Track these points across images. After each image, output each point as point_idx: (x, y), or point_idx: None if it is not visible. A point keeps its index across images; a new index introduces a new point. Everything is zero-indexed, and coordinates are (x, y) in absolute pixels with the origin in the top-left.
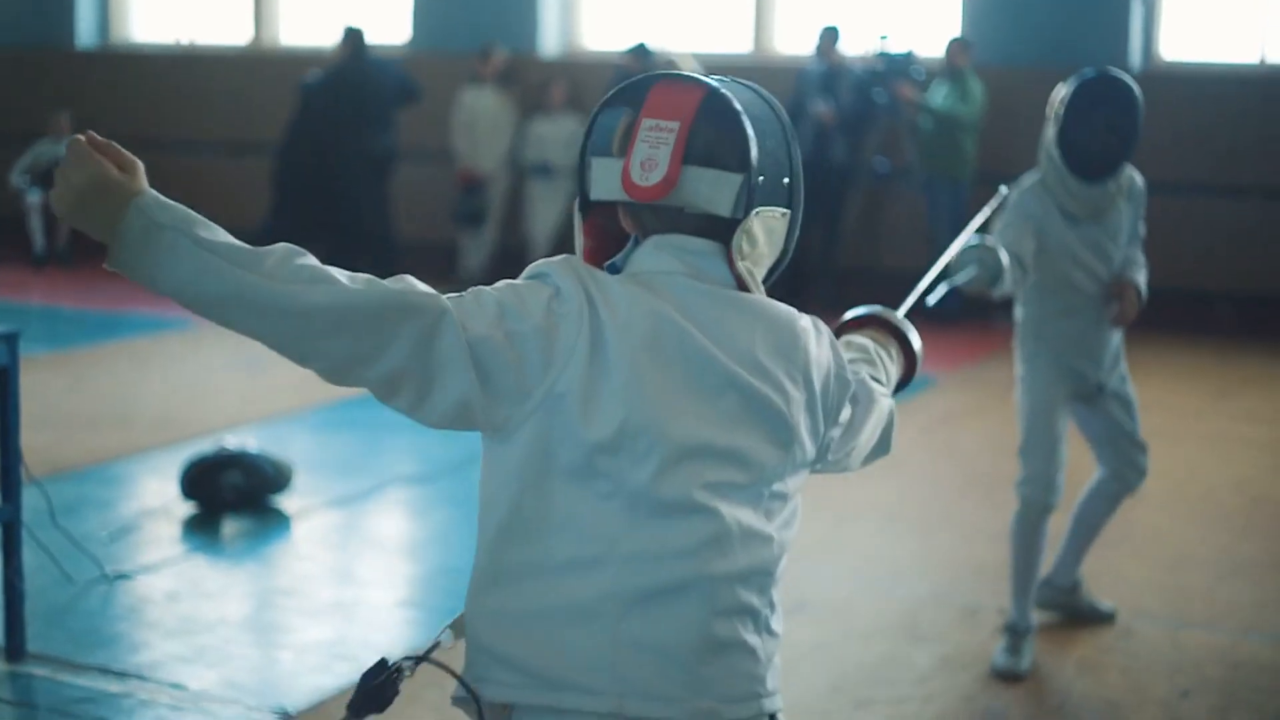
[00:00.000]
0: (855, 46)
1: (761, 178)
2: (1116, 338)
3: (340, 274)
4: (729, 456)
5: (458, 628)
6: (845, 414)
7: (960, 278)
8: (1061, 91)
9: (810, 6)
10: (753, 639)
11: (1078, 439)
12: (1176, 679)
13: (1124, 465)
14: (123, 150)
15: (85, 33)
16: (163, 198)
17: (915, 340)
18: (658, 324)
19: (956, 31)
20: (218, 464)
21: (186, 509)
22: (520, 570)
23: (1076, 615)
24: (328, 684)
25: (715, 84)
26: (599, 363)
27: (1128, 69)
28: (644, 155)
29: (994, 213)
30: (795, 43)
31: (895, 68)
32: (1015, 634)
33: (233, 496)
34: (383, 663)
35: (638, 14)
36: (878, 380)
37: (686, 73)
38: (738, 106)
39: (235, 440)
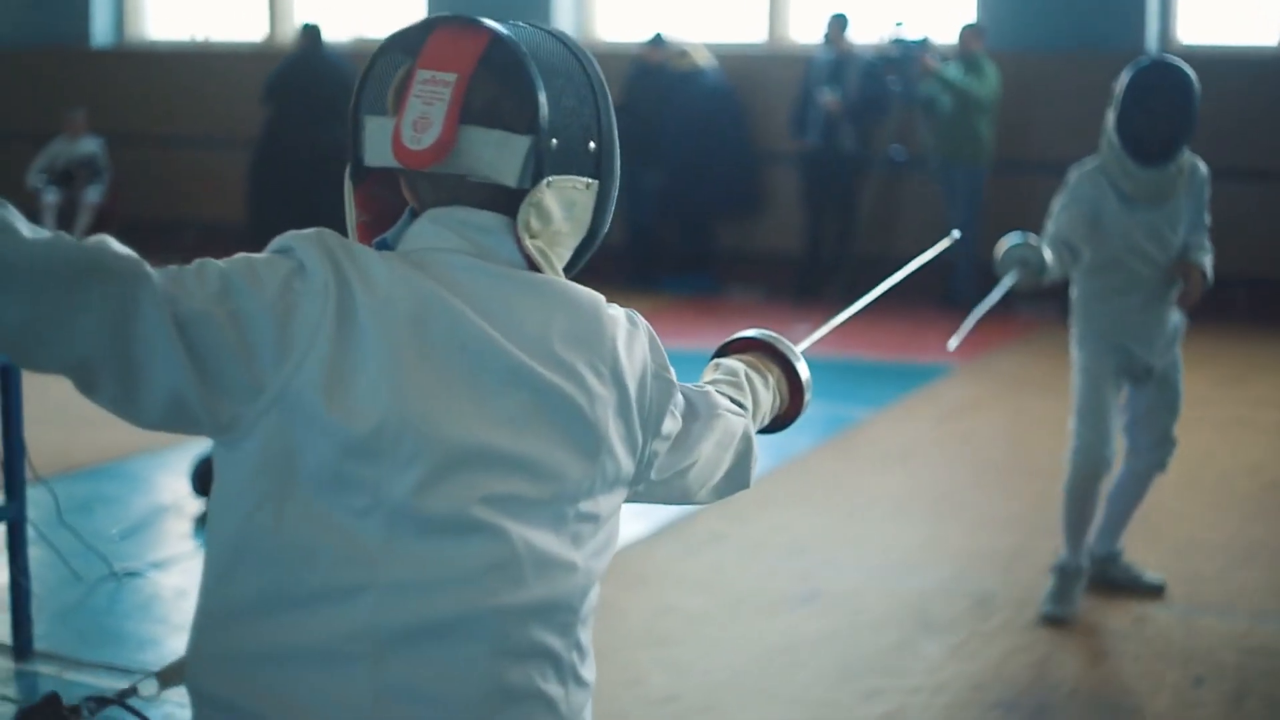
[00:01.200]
0: (867, 34)
1: (555, 140)
2: (1174, 321)
3: (24, 224)
4: (516, 464)
5: (168, 676)
6: (672, 425)
7: (1006, 280)
8: (1121, 78)
9: None
10: (553, 689)
11: None
12: (1190, 666)
13: (1148, 451)
14: None
15: (101, 31)
16: None
17: (803, 371)
18: (426, 305)
19: (971, 17)
20: None
21: (198, 505)
22: (256, 603)
23: (1116, 585)
24: None
25: (504, 29)
26: (350, 348)
27: (1144, 53)
28: (417, 113)
29: (942, 253)
30: (810, 32)
31: (910, 54)
32: (1065, 575)
33: None
34: (53, 699)
35: (652, 4)
36: (738, 404)
37: (473, 17)
38: (525, 54)
39: None
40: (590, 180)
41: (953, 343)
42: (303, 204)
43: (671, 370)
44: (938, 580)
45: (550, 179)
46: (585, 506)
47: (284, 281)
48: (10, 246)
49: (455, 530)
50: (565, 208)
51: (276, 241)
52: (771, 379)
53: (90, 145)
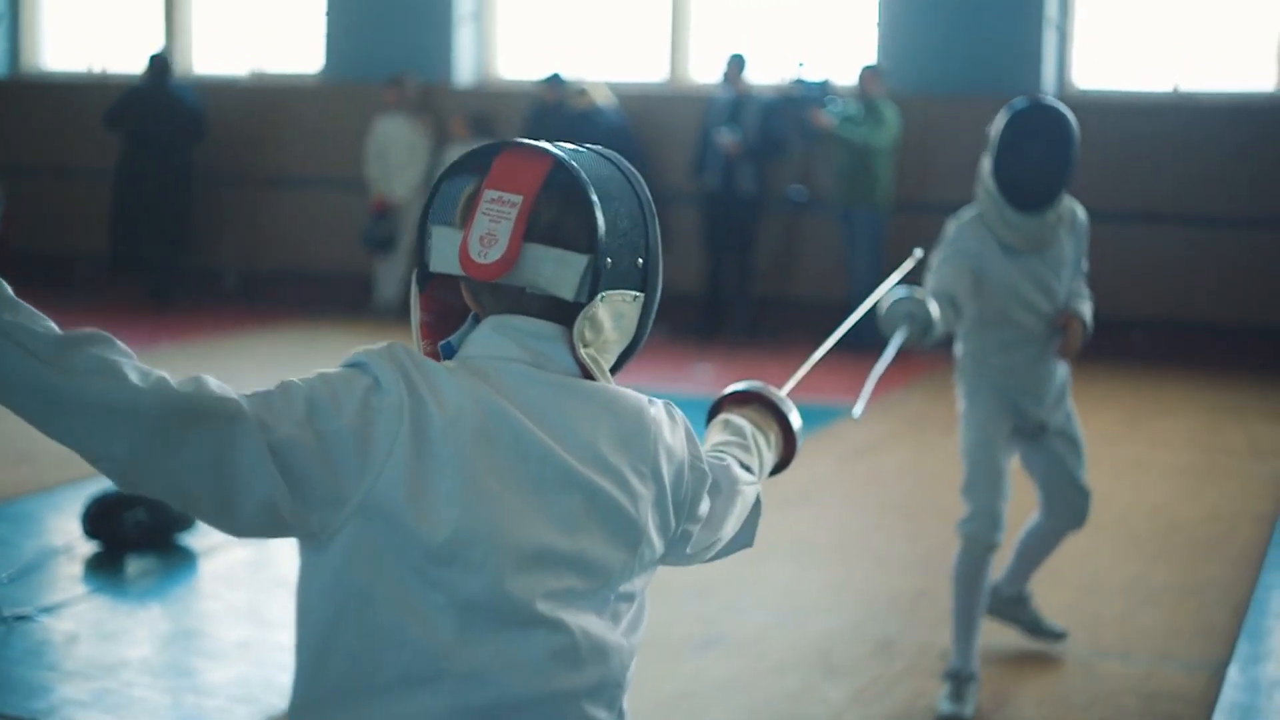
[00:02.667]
0: (768, 74)
1: (610, 259)
2: (1061, 374)
3: (132, 369)
4: (572, 562)
5: None
6: (704, 507)
7: (893, 340)
8: (996, 122)
9: (725, 35)
10: None
11: (1022, 476)
12: (1093, 710)
13: (1064, 508)
14: None
15: None
16: None
17: (795, 420)
18: (490, 418)
19: (871, 59)
20: (121, 501)
21: (89, 548)
22: (342, 691)
23: (1021, 628)
24: None
25: (565, 155)
26: (425, 462)
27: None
28: (484, 229)
29: (906, 276)
30: (710, 72)
31: (811, 95)
32: (958, 680)
33: (137, 534)
34: None
35: (552, 43)
36: (748, 468)
37: (536, 142)
38: (586, 181)
39: None
40: (637, 293)
41: (857, 410)
42: (159, 230)
43: (704, 459)
44: (841, 624)
45: (604, 294)
46: (624, 589)
47: (362, 399)
48: (118, 392)
49: (520, 623)
50: (615, 319)
51: (351, 356)
52: (773, 436)
53: None
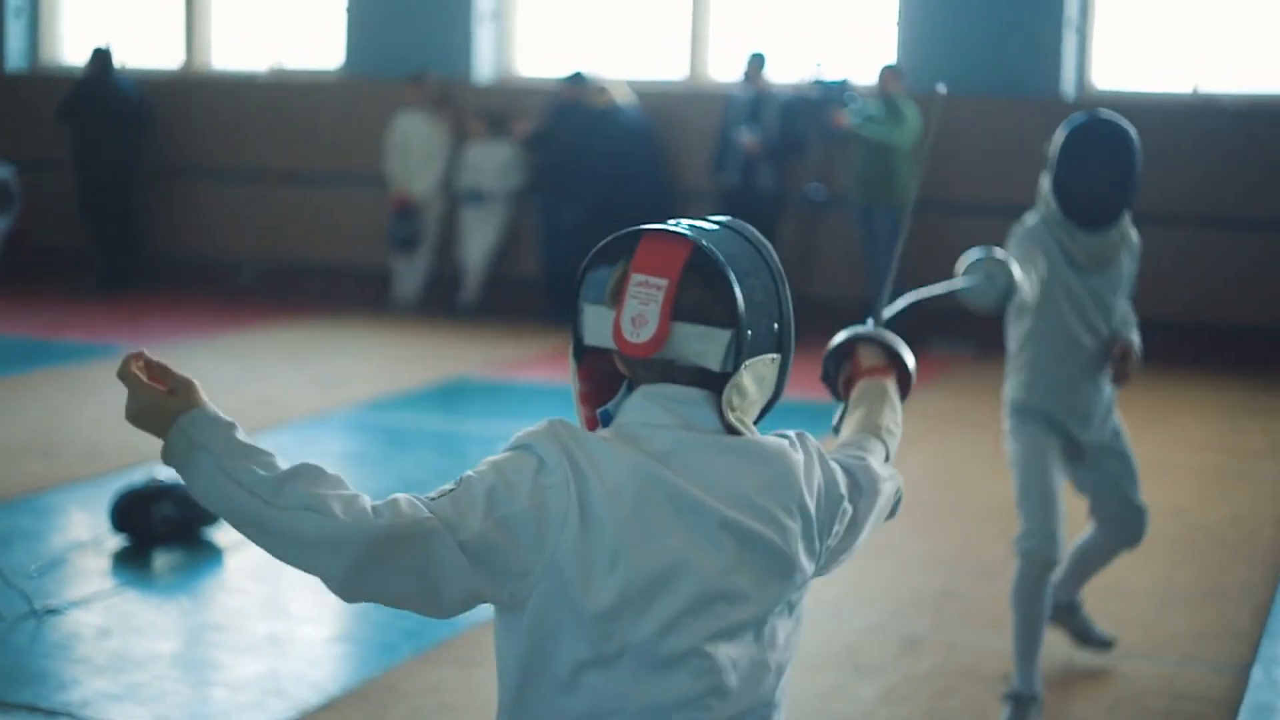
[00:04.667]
0: (787, 73)
1: (750, 331)
2: (1108, 394)
3: (337, 500)
4: (731, 600)
5: None
6: (846, 516)
7: (972, 294)
8: (1055, 137)
9: (745, 34)
10: None
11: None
12: (1119, 710)
13: (1118, 527)
14: (172, 371)
15: (14, 55)
16: (209, 412)
17: (909, 359)
18: (645, 482)
19: (891, 59)
20: (149, 495)
21: (117, 542)
22: None
23: (1071, 635)
24: None
25: (702, 240)
26: (591, 531)
27: (1061, 97)
28: (634, 311)
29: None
30: (730, 70)
31: (830, 95)
32: (1019, 703)
33: (164, 529)
34: None
35: (572, 40)
36: (888, 443)
37: (673, 228)
38: (724, 262)
39: (167, 471)
40: (775, 355)
41: (885, 313)
42: (106, 220)
43: (840, 482)
44: (869, 622)
45: (748, 362)
46: (779, 612)
47: (533, 481)
48: (327, 529)
49: (684, 664)
50: (757, 382)
51: (516, 439)
52: (891, 385)
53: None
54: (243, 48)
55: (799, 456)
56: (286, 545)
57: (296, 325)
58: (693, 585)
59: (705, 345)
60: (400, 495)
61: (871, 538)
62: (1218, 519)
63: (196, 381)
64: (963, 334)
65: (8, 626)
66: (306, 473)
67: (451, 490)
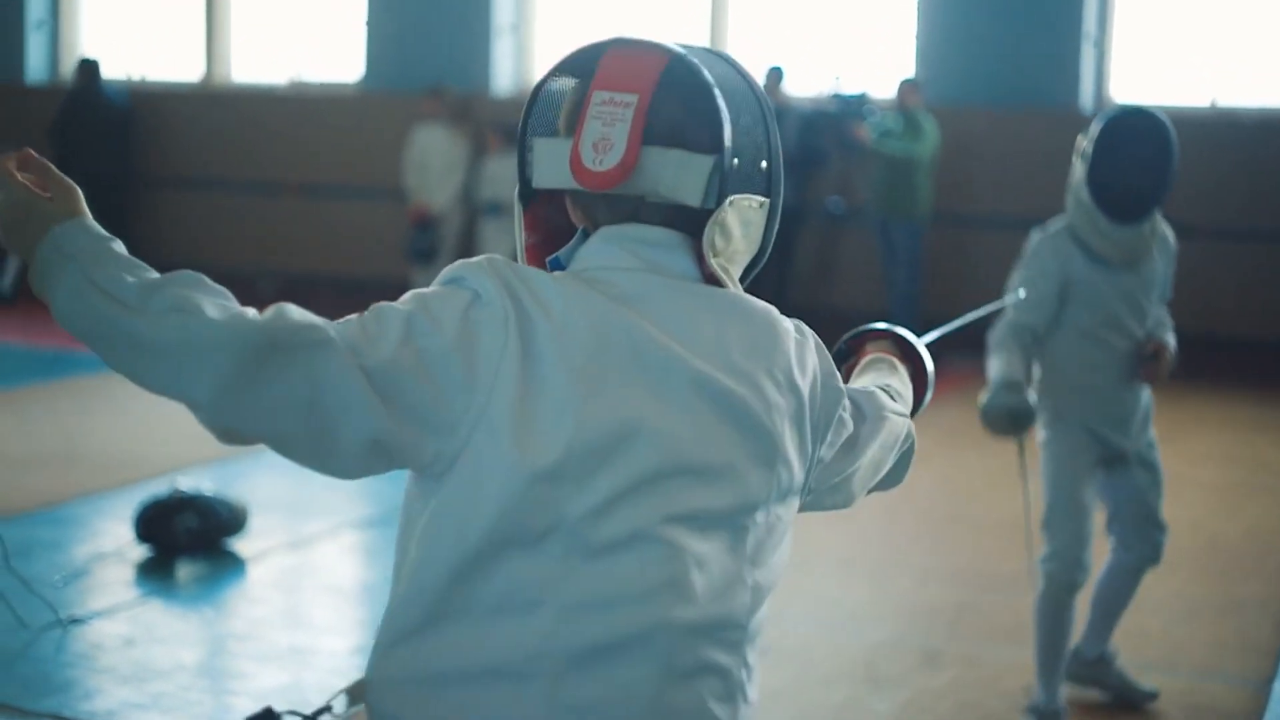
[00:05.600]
0: (806, 87)
1: (736, 160)
2: (1146, 400)
3: (212, 304)
4: (700, 475)
5: (355, 693)
6: (840, 430)
7: (997, 426)
8: (1091, 129)
9: (764, 47)
10: (720, 709)
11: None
12: None
13: (1139, 542)
14: (54, 171)
15: (35, 69)
16: (88, 226)
17: (928, 360)
18: (603, 321)
19: (909, 72)
20: (172, 506)
21: (140, 552)
22: (436, 623)
23: (1108, 692)
24: None
25: (680, 49)
26: (534, 375)
27: (1079, 110)
28: (597, 135)
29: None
30: None
31: (849, 108)
32: (1042, 717)
33: (187, 539)
34: (269, 712)
35: None
36: (893, 398)
37: (645, 38)
38: (708, 76)
39: (189, 482)
40: (763, 199)
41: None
42: (112, 227)
43: (838, 376)
44: (885, 636)
45: (732, 198)
46: (760, 518)
47: (462, 314)
48: (192, 329)
49: (633, 549)
50: (743, 226)
51: (446, 272)
52: (904, 372)
53: None
54: (262, 61)
55: (789, 329)
56: (146, 358)
57: None
58: (651, 452)
59: (682, 174)
60: (290, 305)
61: (874, 484)
62: (1235, 533)
63: (79, 190)
64: (978, 348)
65: (33, 636)
66: (184, 278)
67: (358, 317)
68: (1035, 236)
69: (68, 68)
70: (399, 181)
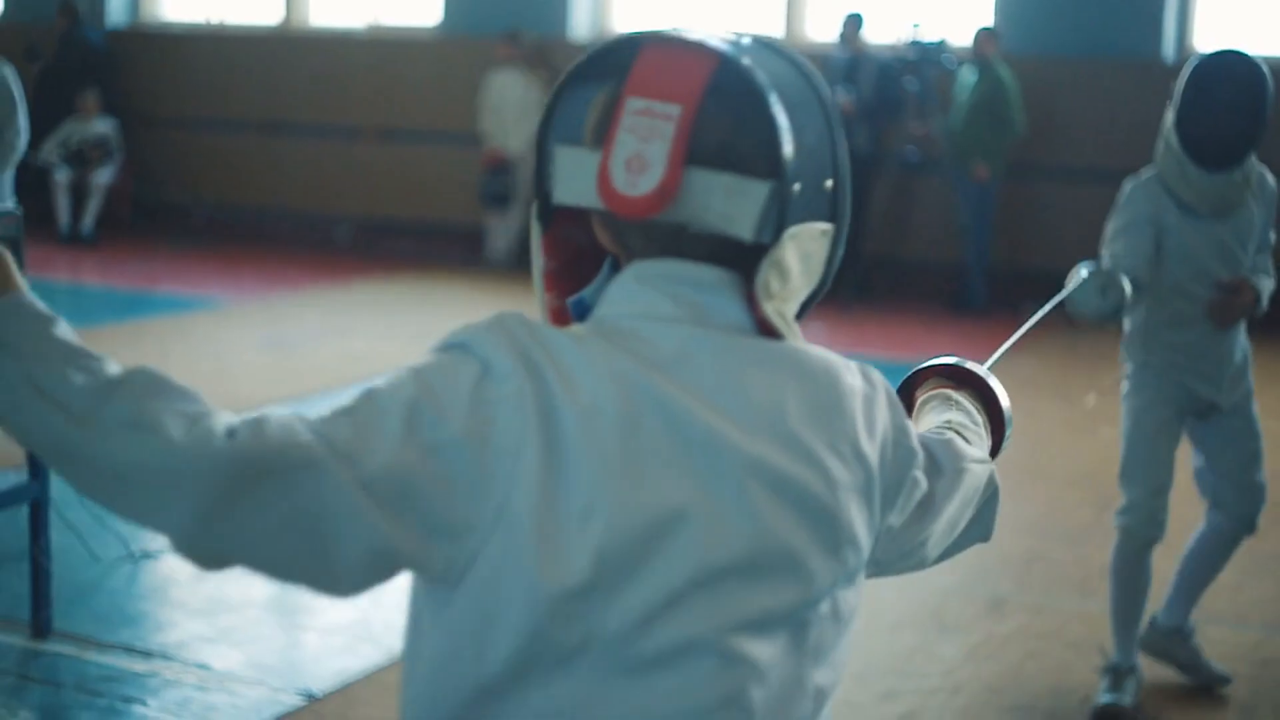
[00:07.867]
0: (883, 34)
1: (798, 185)
2: (1240, 353)
3: (175, 416)
4: (755, 574)
5: None
6: (919, 492)
7: (1083, 307)
8: (1183, 72)
9: None
10: None
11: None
12: None
13: (1234, 499)
14: None
15: (116, 12)
16: (23, 300)
17: (1004, 399)
18: (637, 399)
19: (989, 20)
20: None
21: None
22: None
23: (1178, 667)
24: (353, 666)
25: (729, 49)
26: (557, 471)
27: (1160, 60)
28: (630, 150)
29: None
30: (827, 30)
31: (927, 56)
32: (1117, 674)
33: None
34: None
35: (667, 1)
36: (969, 440)
37: (686, 34)
38: (763, 82)
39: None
40: (827, 226)
41: (988, 362)
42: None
43: (912, 433)
44: (953, 583)
45: (792, 230)
46: (825, 608)
47: (471, 394)
48: (149, 450)
49: (682, 662)
50: (803, 261)
51: (449, 338)
52: (980, 415)
53: (103, 126)
54: (341, 4)
55: (857, 382)
56: (104, 482)
57: (390, 281)
58: (697, 550)
59: (733, 204)
60: (273, 414)
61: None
62: None
63: (11, 257)
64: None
65: (105, 569)
66: (141, 380)
67: (349, 408)
68: (1128, 184)
69: (149, 13)
70: (475, 126)
